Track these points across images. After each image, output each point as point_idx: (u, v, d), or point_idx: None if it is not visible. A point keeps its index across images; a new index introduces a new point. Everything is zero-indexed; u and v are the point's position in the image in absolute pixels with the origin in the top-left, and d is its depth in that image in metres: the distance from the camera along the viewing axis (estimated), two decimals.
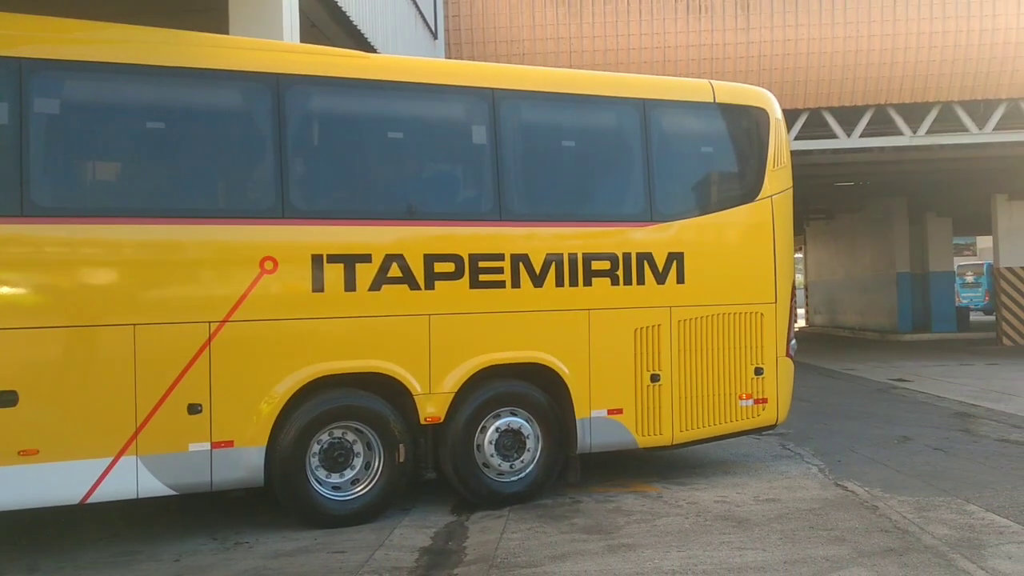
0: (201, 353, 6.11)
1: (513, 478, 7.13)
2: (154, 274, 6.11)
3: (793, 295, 8.19)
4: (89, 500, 5.85)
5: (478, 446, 7.03)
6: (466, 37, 16.46)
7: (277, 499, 6.50)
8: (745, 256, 7.93)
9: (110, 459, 5.88)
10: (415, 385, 6.76)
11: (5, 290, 5.75)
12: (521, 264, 7.10)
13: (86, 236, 5.92)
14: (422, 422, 6.81)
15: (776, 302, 7.99)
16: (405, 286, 6.74)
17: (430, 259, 6.83)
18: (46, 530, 6.40)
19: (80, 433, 5.82)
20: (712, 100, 8.02)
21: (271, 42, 7.16)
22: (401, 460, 6.69)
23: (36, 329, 5.75)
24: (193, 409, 6.08)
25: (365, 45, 11.02)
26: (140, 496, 5.96)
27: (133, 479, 5.93)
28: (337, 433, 6.62)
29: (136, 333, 5.94)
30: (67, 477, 5.78)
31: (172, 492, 6.06)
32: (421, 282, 6.79)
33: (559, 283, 7.22)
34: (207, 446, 6.12)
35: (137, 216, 6.07)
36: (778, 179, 8.13)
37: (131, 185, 6.36)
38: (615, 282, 7.41)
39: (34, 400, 5.70)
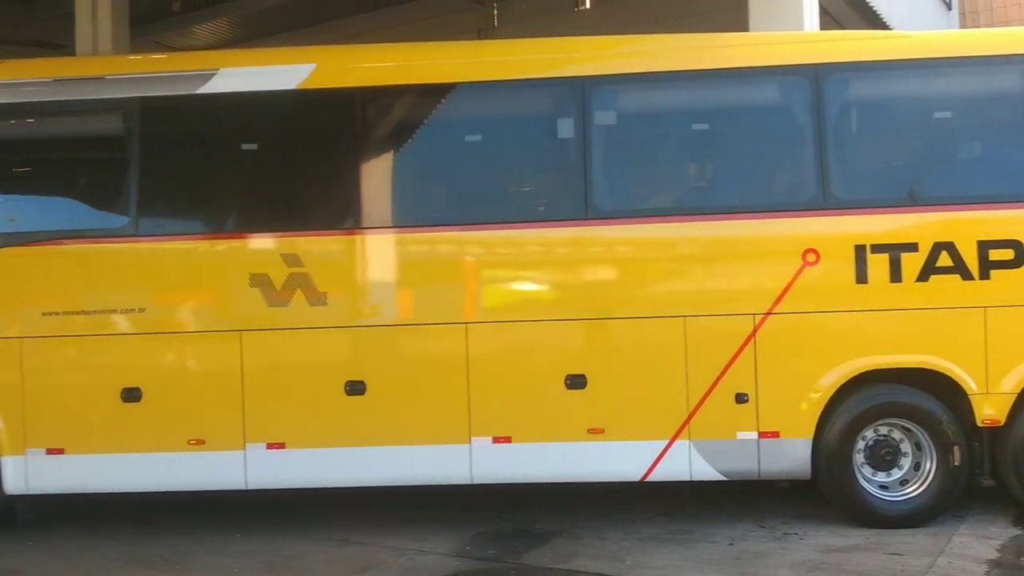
0: (747, 344, 6.27)
1: None
2: (702, 269, 6.43)
3: None
4: (648, 479, 6.32)
5: None
6: (983, 4, 14.83)
7: (821, 493, 6.43)
8: None
9: (665, 442, 6.29)
10: (970, 383, 6.21)
11: (576, 285, 6.48)
12: None
13: (642, 235, 6.42)
14: (978, 424, 6.24)
15: None
16: (956, 276, 6.23)
17: (984, 246, 6.23)
18: (600, 504, 7.05)
19: (640, 416, 6.32)
20: None
21: (807, 34, 7.16)
22: (956, 464, 6.20)
23: (600, 320, 6.37)
24: (740, 398, 6.26)
25: (879, 24, 10.48)
26: (692, 479, 6.30)
27: (686, 462, 6.28)
28: (883, 430, 6.34)
29: (687, 324, 6.28)
30: (629, 456, 6.31)
31: (722, 478, 6.30)
32: (975, 272, 6.23)
33: None
34: (754, 435, 6.26)
35: (686, 214, 6.43)
36: None
37: (680, 185, 6.78)
38: None
39: (600, 383, 6.32)
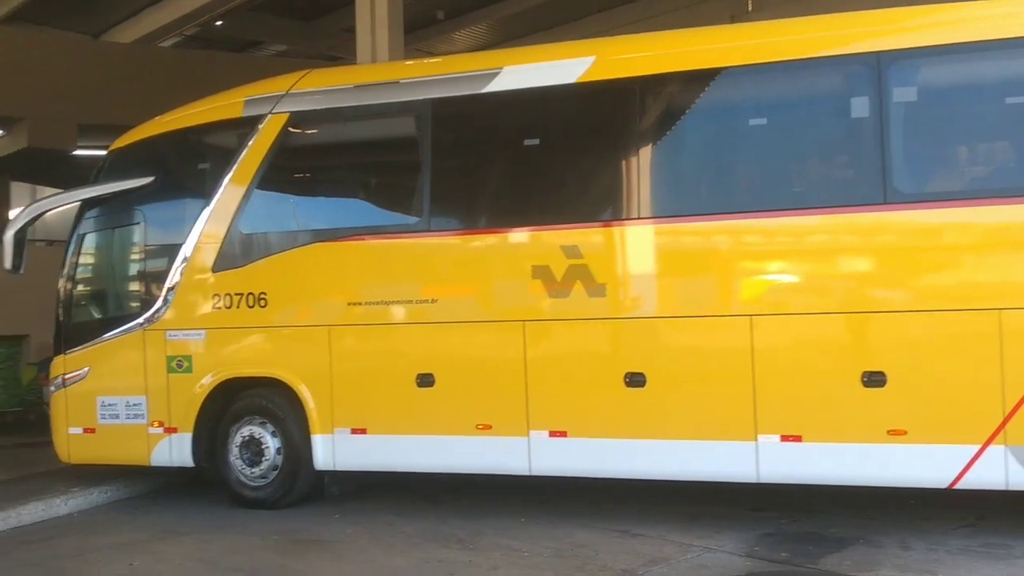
0: None
1: None
2: (1020, 256, 5.79)
3: None
4: (956, 487, 5.79)
5: None
6: None
7: None
8: None
9: (977, 447, 5.72)
10: None
11: (873, 275, 6.05)
12: None
13: (950, 220, 5.86)
14: None
15: None
16: None
17: None
18: (890, 510, 6.57)
19: (947, 417, 5.80)
20: None
21: None
22: None
23: (902, 313, 5.90)
24: None
25: None
26: (1008, 488, 5.70)
27: (1002, 469, 5.68)
28: None
29: (1002, 318, 5.69)
30: (934, 460, 5.81)
31: None
32: None
33: None
34: None
35: (1002, 196, 5.80)
36: None
37: (993, 165, 6.17)
38: None
39: (902, 381, 5.86)
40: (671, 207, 6.48)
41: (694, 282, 6.40)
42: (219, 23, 18.51)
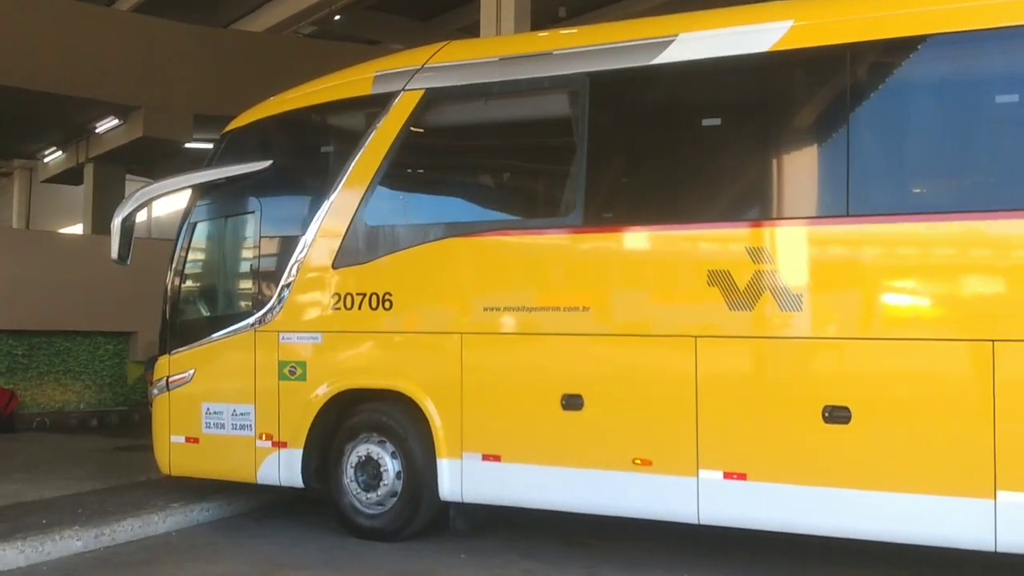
0: None
1: None
2: None
3: None
4: None
5: None
6: None
7: None
8: None
9: None
10: None
11: None
12: None
13: None
14: None
15: None
16: None
17: None
18: None
19: None
20: None
21: None
22: None
23: None
24: None
25: None
26: None
27: None
28: None
29: None
30: None
31: None
32: None
33: None
34: None
35: None
36: None
37: None
38: None
39: None
40: (888, 203, 5.27)
41: (914, 297, 5.19)
42: (337, 18, 18.08)
